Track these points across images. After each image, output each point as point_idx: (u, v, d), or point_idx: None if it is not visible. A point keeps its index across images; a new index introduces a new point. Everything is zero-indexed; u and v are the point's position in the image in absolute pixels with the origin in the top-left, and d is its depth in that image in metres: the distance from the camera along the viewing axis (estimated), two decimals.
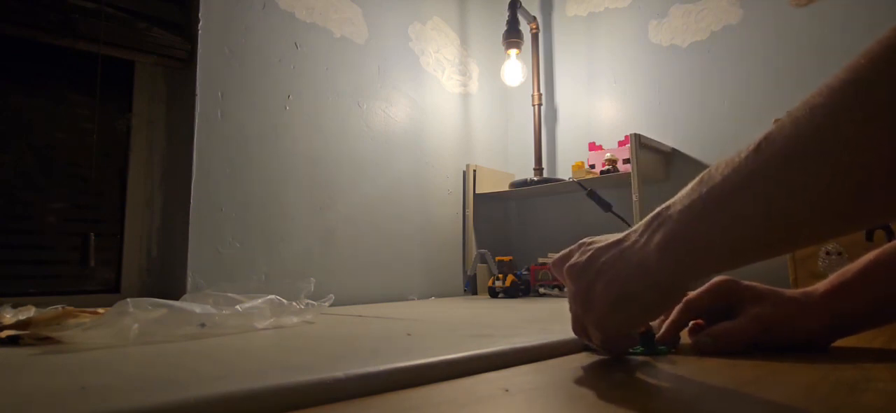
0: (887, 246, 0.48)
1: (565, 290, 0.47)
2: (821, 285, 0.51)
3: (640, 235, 0.42)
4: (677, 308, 0.54)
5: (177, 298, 0.65)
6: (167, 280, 1.13)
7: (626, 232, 0.44)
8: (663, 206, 0.41)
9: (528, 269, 1.46)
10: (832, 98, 0.32)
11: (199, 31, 1.15)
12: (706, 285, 0.55)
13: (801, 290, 0.52)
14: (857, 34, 1.21)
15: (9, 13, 0.97)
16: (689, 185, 0.40)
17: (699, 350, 0.51)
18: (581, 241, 0.48)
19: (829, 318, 0.49)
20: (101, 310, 0.65)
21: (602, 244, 0.45)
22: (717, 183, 0.36)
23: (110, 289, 1.12)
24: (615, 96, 1.64)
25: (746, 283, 0.53)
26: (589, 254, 0.45)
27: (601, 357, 0.49)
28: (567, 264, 0.46)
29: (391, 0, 1.55)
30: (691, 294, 0.54)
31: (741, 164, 0.35)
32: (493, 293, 1.39)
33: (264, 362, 0.45)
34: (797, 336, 0.50)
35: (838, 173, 0.31)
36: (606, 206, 1.24)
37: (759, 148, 0.35)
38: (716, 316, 0.53)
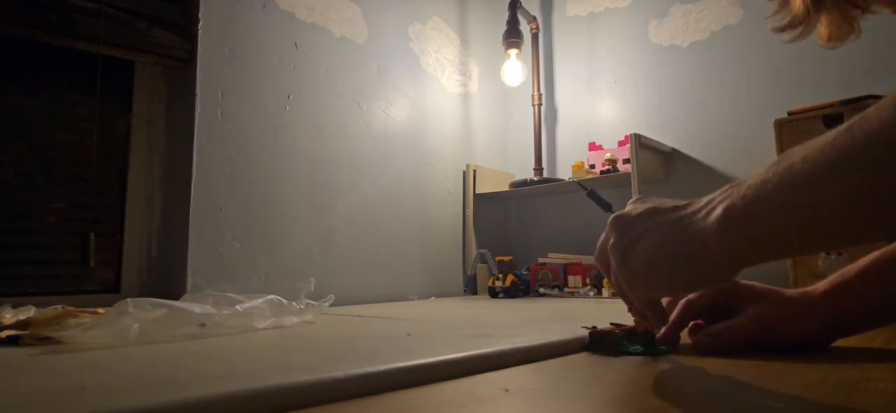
0: (888, 248, 0.48)
1: (602, 239, 0.46)
2: (820, 285, 0.51)
3: (702, 207, 0.40)
4: (678, 307, 0.54)
5: (177, 298, 0.65)
6: (167, 280, 1.13)
7: (689, 201, 0.42)
8: (732, 183, 0.39)
9: (528, 269, 1.46)
10: None
11: (199, 31, 1.15)
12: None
13: (800, 289, 0.52)
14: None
15: (9, 13, 0.97)
16: (762, 169, 0.37)
17: (698, 350, 0.51)
18: (639, 197, 0.46)
19: (828, 318, 0.49)
20: (101, 310, 0.65)
21: (658, 205, 0.43)
22: (797, 161, 0.34)
23: (110, 289, 1.12)
24: (615, 96, 1.64)
25: (746, 282, 0.53)
26: (641, 211, 0.43)
27: (601, 357, 0.49)
28: (616, 213, 0.45)
29: (391, 0, 1.55)
30: (691, 294, 0.54)
31: (827, 144, 0.33)
32: (493, 293, 1.39)
33: (264, 362, 0.45)
34: (797, 336, 0.50)
35: None
36: (607, 207, 1.23)
37: (850, 129, 0.33)
38: (716, 316, 0.53)
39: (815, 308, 0.50)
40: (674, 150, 1.48)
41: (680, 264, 0.40)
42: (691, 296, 0.54)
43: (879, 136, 0.31)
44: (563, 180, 1.54)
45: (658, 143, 1.43)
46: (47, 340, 0.56)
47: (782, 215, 0.35)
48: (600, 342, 0.52)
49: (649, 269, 0.41)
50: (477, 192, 1.66)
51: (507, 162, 1.86)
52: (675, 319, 0.54)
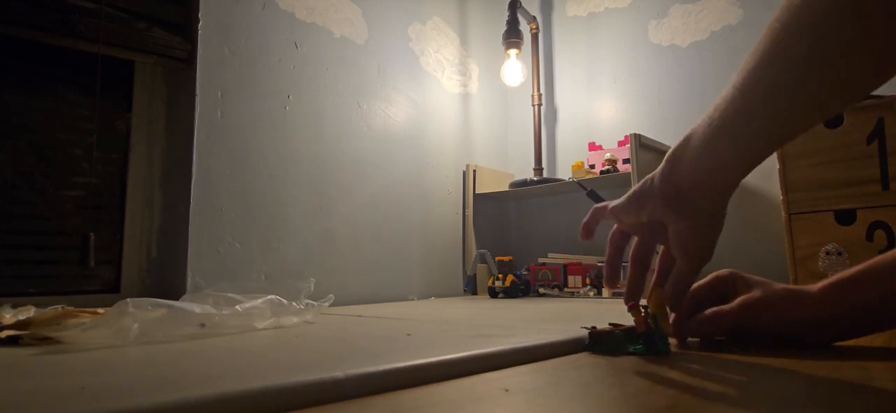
0: (889, 253, 0.49)
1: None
2: (819, 282, 0.51)
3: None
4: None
5: (177, 298, 0.65)
6: (167, 280, 1.13)
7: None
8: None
9: (528, 269, 1.46)
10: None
11: (199, 31, 1.15)
12: (707, 278, 0.56)
13: (799, 285, 0.53)
14: None
15: (9, 13, 0.97)
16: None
17: (684, 336, 0.55)
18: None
19: (822, 312, 0.49)
20: (101, 310, 0.65)
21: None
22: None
23: (110, 289, 1.12)
24: (615, 96, 1.64)
25: (743, 274, 0.55)
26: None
27: (601, 357, 0.49)
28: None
29: (391, 0, 1.55)
30: (693, 286, 0.56)
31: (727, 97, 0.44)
32: (493, 293, 1.39)
33: (264, 362, 0.45)
34: (785, 321, 0.51)
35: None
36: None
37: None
38: (715, 306, 0.54)
39: (807, 299, 0.50)
40: None
41: (635, 192, 0.52)
42: (693, 287, 0.56)
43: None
44: (563, 180, 1.54)
45: (658, 143, 1.43)
46: (47, 340, 0.56)
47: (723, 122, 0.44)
48: (600, 342, 0.52)
49: (623, 199, 0.54)
50: (477, 192, 1.66)
51: (506, 162, 1.86)
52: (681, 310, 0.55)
